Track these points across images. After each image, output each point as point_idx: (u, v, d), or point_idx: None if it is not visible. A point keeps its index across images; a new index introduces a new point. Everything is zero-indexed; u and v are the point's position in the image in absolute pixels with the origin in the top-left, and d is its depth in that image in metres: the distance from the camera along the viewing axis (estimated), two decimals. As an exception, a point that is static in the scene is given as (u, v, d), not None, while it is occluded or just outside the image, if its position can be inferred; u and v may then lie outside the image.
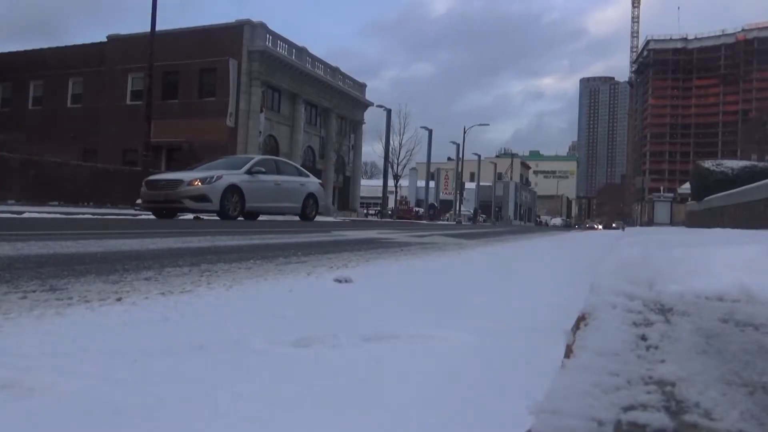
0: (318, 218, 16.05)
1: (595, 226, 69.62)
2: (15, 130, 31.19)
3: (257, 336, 1.65)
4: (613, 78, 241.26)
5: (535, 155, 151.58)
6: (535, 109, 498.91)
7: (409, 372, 1.38)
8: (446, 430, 1.05)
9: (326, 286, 2.83)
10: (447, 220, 47.76)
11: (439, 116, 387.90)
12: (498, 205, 69.85)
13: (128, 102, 31.57)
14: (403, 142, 45.32)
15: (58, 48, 35.42)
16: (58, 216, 10.65)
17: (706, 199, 15.01)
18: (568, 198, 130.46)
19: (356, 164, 42.50)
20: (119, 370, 1.28)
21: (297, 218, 15.11)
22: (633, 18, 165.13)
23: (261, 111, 29.80)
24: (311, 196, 15.32)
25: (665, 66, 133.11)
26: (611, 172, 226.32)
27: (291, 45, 32.96)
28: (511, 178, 77.56)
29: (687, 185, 36.35)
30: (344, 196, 40.78)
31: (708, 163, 16.04)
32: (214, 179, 12.37)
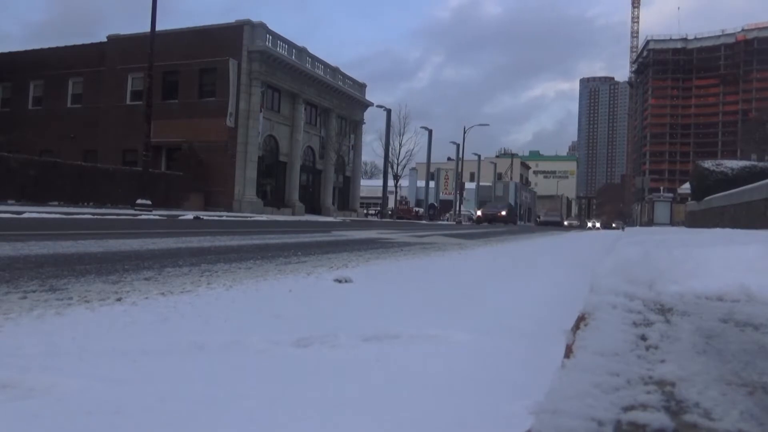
0: (318, 218, 16.18)
1: (574, 223, 63.80)
2: (15, 130, 31.19)
3: (257, 336, 1.65)
4: (613, 78, 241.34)
5: (535, 155, 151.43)
6: (562, 110, 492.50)
7: (410, 372, 1.38)
8: (446, 429, 1.05)
9: (326, 286, 2.83)
10: (447, 220, 47.73)
11: (465, 116, 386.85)
12: (498, 205, 69.65)
13: (128, 102, 31.52)
14: (403, 142, 45.29)
15: (58, 48, 35.37)
16: (58, 216, 10.64)
17: (706, 199, 15.00)
18: (568, 198, 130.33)
19: (356, 164, 42.42)
20: (119, 370, 1.28)
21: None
22: (633, 18, 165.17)
23: (260, 111, 29.76)
24: None
25: (665, 66, 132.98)
26: (611, 172, 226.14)
27: (291, 45, 32.92)
28: (511, 178, 77.50)
29: (687, 185, 36.34)
30: (344, 196, 40.71)
31: (708, 163, 16.02)
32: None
